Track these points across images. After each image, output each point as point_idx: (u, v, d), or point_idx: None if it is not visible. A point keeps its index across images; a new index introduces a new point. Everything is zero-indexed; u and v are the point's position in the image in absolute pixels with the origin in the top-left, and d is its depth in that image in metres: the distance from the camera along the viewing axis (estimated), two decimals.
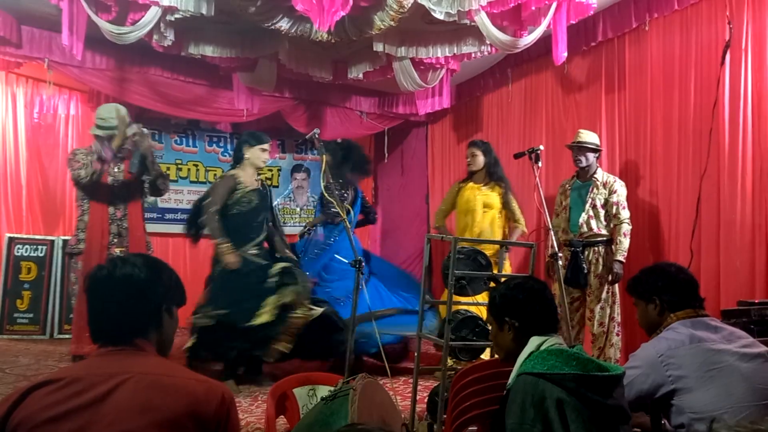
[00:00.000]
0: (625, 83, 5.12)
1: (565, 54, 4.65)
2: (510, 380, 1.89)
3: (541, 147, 4.18)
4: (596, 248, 4.49)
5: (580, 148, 4.58)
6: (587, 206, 4.52)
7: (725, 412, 2.00)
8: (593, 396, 1.67)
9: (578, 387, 1.66)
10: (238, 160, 4.61)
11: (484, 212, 4.91)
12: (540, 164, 4.15)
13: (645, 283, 2.35)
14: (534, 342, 1.92)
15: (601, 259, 4.47)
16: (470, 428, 2.74)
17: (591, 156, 4.58)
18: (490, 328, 2.16)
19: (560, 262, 3.85)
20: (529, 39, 4.78)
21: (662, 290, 2.29)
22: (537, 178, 4.05)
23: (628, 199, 4.60)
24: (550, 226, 4.01)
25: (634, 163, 4.99)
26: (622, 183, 4.58)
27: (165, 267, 1.61)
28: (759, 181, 4.03)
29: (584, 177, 4.63)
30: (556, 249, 3.82)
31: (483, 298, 3.57)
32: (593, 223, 4.50)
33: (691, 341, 2.14)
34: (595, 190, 4.52)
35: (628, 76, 5.08)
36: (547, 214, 4.03)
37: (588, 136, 4.60)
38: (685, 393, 2.06)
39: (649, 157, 4.86)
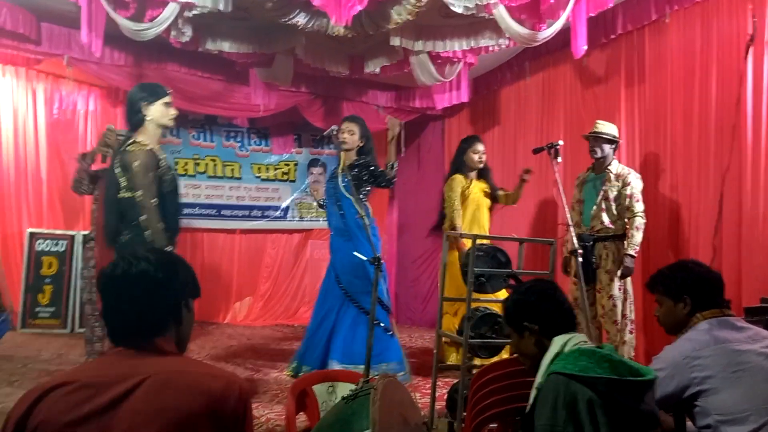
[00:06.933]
0: (644, 77, 5.05)
1: (585, 47, 4.59)
2: (538, 379, 1.88)
3: (561, 142, 4.11)
4: (606, 243, 4.43)
5: (596, 139, 4.52)
6: (599, 199, 4.48)
7: (751, 413, 1.98)
8: (625, 401, 1.65)
9: (610, 391, 1.64)
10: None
11: (485, 210, 5.18)
12: (559, 159, 4.08)
13: (674, 280, 2.30)
14: (558, 342, 1.90)
15: (611, 255, 4.40)
16: (491, 425, 2.73)
17: (607, 147, 4.51)
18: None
19: (579, 259, 3.80)
20: (548, 32, 4.73)
21: (693, 289, 2.25)
22: (556, 174, 3.99)
23: (647, 193, 4.53)
24: (570, 223, 3.96)
25: (654, 158, 4.93)
26: (638, 175, 4.50)
27: (180, 261, 1.57)
28: None
29: (599, 169, 4.58)
30: (576, 245, 3.77)
31: (503, 295, 3.57)
32: (604, 216, 4.45)
33: (715, 342, 2.11)
34: (608, 183, 4.47)
35: (648, 70, 5.02)
36: (567, 210, 3.99)
37: (605, 127, 4.54)
38: (710, 394, 2.04)
39: (669, 152, 4.79)
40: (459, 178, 5.10)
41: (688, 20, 4.67)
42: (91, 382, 1.35)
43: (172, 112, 3.41)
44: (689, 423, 2.20)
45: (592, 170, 4.68)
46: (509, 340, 3.36)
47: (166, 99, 3.37)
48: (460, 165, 5.17)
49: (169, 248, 3.20)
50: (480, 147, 5.15)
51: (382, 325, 4.25)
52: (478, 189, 5.15)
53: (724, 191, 4.27)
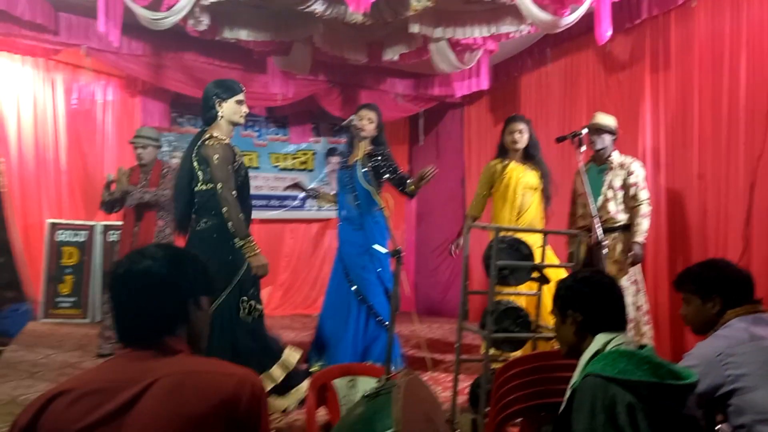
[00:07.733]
0: (670, 63, 4.92)
1: (609, 33, 4.48)
2: (574, 379, 1.82)
3: (585, 130, 4.03)
4: (614, 234, 4.36)
5: (597, 131, 4.44)
6: (604, 188, 4.40)
7: None
8: (668, 405, 1.58)
9: (651, 395, 1.58)
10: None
11: (526, 195, 4.64)
12: (584, 148, 3.99)
13: (703, 279, 2.24)
14: (600, 340, 1.84)
15: (619, 245, 4.34)
16: (516, 420, 2.69)
17: (607, 138, 4.45)
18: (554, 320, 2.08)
19: (605, 251, 3.72)
20: (571, 18, 4.62)
21: (722, 288, 2.18)
22: (581, 164, 3.91)
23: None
24: (594, 213, 3.87)
25: (681, 147, 4.81)
26: (641, 163, 4.47)
27: (188, 257, 1.51)
28: None
29: (600, 160, 4.51)
30: (601, 237, 3.70)
31: (526, 288, 3.50)
32: (611, 205, 4.37)
33: (751, 339, 2.04)
34: (611, 172, 4.42)
35: (674, 56, 4.88)
36: (592, 199, 3.91)
37: (604, 119, 4.48)
38: (746, 393, 1.97)
39: (696, 140, 4.67)
40: (489, 164, 4.80)
41: (717, 4, 4.53)
42: (100, 388, 1.31)
43: (244, 109, 3.49)
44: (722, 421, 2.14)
45: (592, 161, 4.59)
46: (532, 335, 3.32)
47: (239, 96, 3.47)
48: (500, 149, 4.77)
49: (250, 237, 3.33)
50: (515, 126, 4.65)
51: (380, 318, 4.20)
52: (518, 171, 4.63)
53: (756, 180, 4.14)
